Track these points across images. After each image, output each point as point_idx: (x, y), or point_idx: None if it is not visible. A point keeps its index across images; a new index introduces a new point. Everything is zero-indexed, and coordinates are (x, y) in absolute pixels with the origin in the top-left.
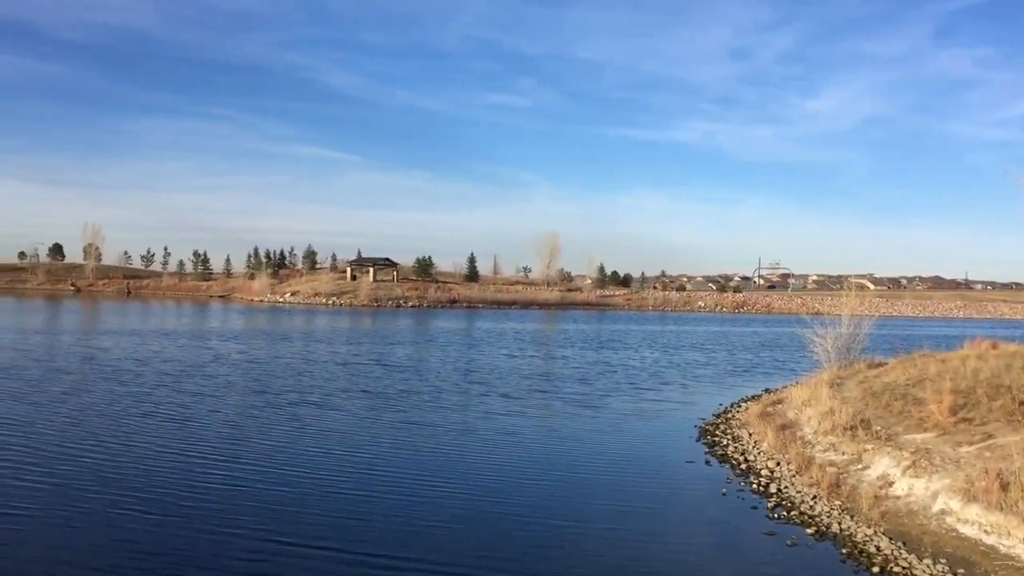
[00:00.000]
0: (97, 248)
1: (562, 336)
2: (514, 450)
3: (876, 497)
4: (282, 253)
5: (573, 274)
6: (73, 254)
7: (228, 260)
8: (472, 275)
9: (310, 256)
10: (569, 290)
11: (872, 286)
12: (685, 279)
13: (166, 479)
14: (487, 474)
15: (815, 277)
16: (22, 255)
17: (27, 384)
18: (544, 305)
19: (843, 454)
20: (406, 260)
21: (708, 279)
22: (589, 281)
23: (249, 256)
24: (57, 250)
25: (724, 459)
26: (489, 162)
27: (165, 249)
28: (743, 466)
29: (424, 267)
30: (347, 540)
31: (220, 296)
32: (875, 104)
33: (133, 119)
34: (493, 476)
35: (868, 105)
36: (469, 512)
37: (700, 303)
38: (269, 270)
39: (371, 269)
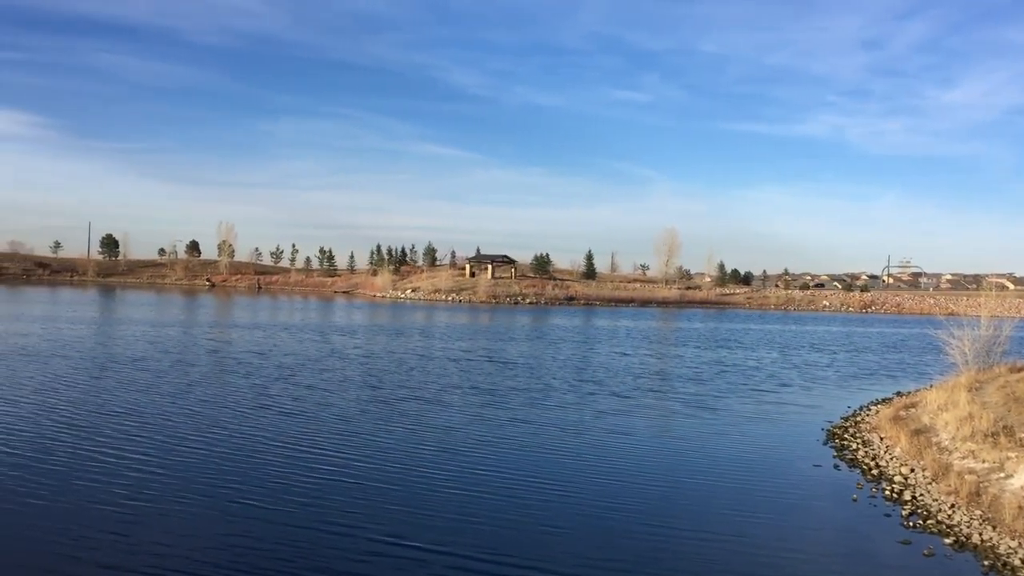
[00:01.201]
0: (230, 245)
1: (678, 335)
2: (627, 451)
3: (1021, 508)
4: (403, 250)
5: (692, 272)
6: (208, 251)
7: (352, 257)
8: (590, 272)
9: (430, 253)
10: (688, 288)
11: (1012, 286)
12: (809, 277)
13: (277, 472)
14: (599, 476)
15: (949, 276)
16: (162, 252)
17: (155, 375)
18: (662, 303)
19: (983, 462)
20: (524, 257)
21: (833, 278)
22: (708, 279)
23: (372, 253)
24: (194, 247)
25: (854, 464)
26: (609, 158)
27: (293, 246)
28: (874, 471)
29: (542, 264)
30: (455, 540)
31: (344, 292)
32: (1020, 94)
33: (266, 120)
34: (605, 478)
35: (1012, 95)
36: (581, 515)
37: (825, 302)
38: (391, 267)
39: (489, 266)
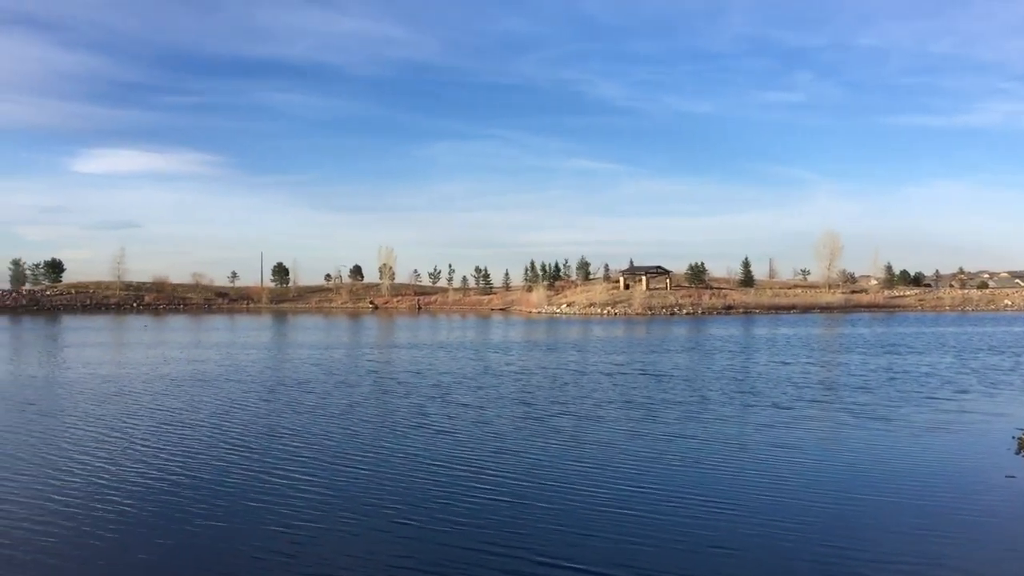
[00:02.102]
0: (391, 268)
1: (842, 341)
2: (793, 466)
3: None
4: (557, 265)
5: (857, 275)
6: (371, 274)
7: (507, 274)
8: (747, 280)
9: (584, 267)
10: (853, 292)
11: None
12: (987, 275)
13: (435, 491)
14: (765, 493)
15: None
16: (328, 277)
17: (320, 397)
18: (825, 309)
19: None
20: (678, 267)
21: (1015, 275)
22: (874, 281)
23: (527, 269)
24: (357, 271)
25: None
26: (762, 162)
27: (450, 266)
28: None
29: (697, 273)
30: (614, 561)
31: (500, 309)
32: None
33: (422, 145)
34: (772, 495)
35: None
36: (748, 535)
37: (1007, 301)
38: (545, 282)
39: (644, 277)
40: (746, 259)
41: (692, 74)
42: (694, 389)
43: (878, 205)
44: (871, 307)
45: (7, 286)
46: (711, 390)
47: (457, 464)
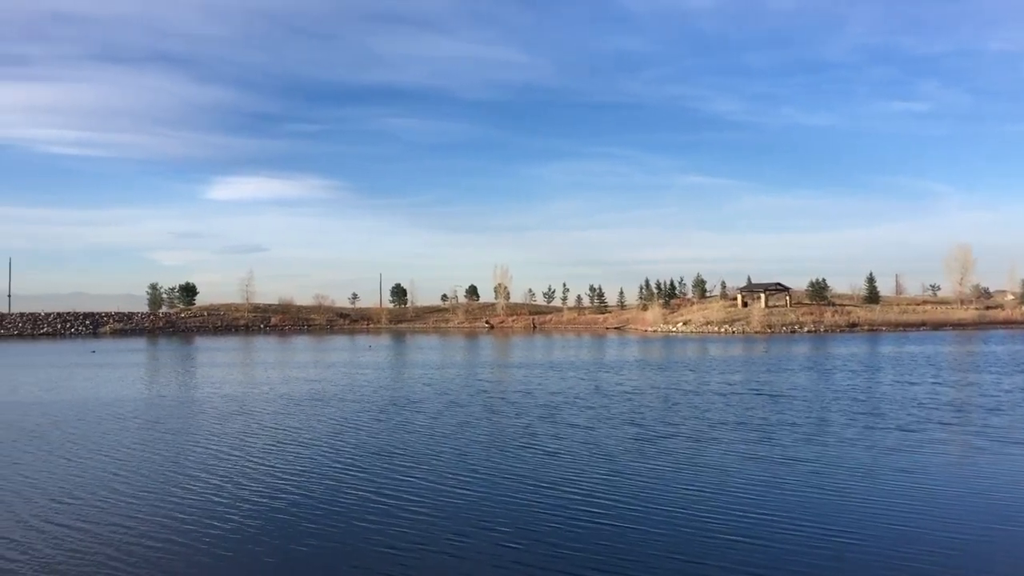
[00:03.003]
0: (506, 288)
1: (973, 359)
2: (925, 494)
3: None
4: (672, 283)
5: (992, 289)
6: (486, 294)
7: (621, 292)
8: (872, 296)
9: (699, 284)
10: (987, 308)
11: None
12: None
13: (542, 514)
14: (895, 523)
15: None
16: (444, 297)
17: (430, 417)
18: (957, 325)
19: None
20: (798, 284)
21: None
22: (1011, 296)
23: (641, 287)
24: (473, 291)
25: None
26: (886, 174)
27: (564, 285)
28: None
29: (818, 290)
30: None
31: (615, 328)
32: None
33: (535, 165)
34: (903, 525)
35: None
36: (874, 568)
37: None
38: (660, 300)
39: (762, 295)
40: (870, 275)
41: (810, 86)
42: (813, 410)
43: (1014, 215)
44: (1008, 323)
45: (145, 309)
46: (831, 411)
47: (565, 486)
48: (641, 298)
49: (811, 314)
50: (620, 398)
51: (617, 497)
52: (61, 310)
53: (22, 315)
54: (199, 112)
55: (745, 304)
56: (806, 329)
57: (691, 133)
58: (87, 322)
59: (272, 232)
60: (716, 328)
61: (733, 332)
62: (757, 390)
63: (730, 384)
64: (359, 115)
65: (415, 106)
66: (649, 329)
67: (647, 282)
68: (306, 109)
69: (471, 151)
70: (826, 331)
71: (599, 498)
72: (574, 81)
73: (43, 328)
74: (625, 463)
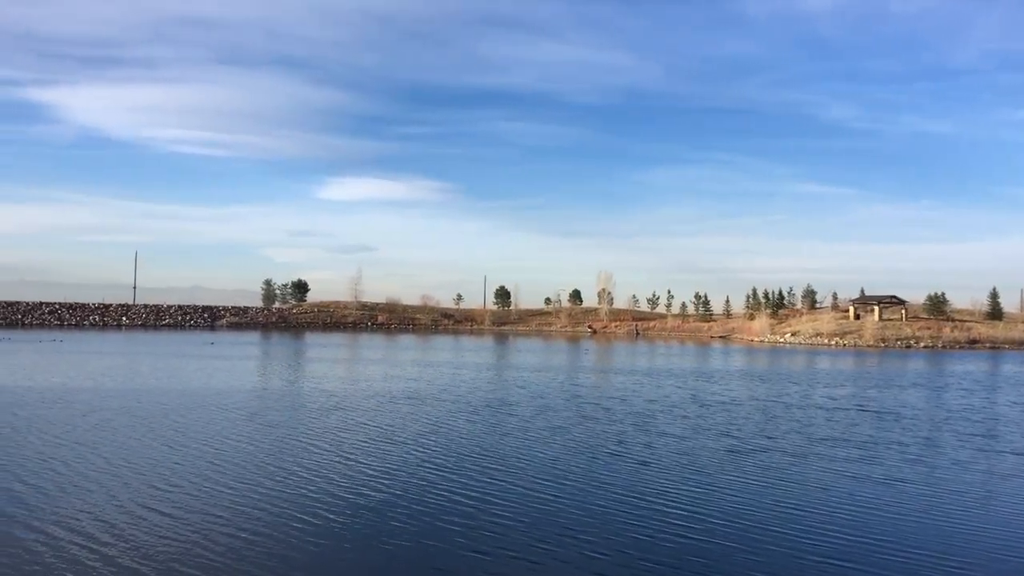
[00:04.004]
0: (609, 293)
1: None
2: None
3: None
4: (780, 293)
5: None
6: (589, 299)
7: (727, 301)
8: (995, 312)
9: (809, 295)
10: None
11: None
12: None
13: (630, 525)
14: (1010, 555)
15: None
16: (548, 301)
17: (520, 420)
18: None
19: None
20: (915, 297)
21: None
22: None
23: (748, 297)
24: (576, 295)
25: None
26: (1013, 185)
27: (668, 292)
28: None
29: (937, 304)
30: None
31: (720, 337)
32: None
33: (640, 170)
34: (1017, 558)
35: None
36: None
37: None
38: (768, 310)
39: (876, 307)
40: (994, 289)
41: (932, 92)
42: (922, 430)
43: None
44: None
45: (260, 304)
46: (943, 432)
47: (653, 497)
48: (748, 307)
49: (928, 329)
50: (718, 408)
51: (707, 510)
52: (182, 303)
53: (146, 306)
54: (314, 114)
55: (857, 316)
56: (922, 344)
57: (805, 139)
58: (205, 315)
59: (380, 232)
60: (826, 340)
61: (844, 345)
62: (863, 406)
63: (835, 399)
64: (468, 118)
65: (523, 109)
66: (756, 339)
67: (754, 291)
68: (416, 111)
69: (578, 155)
70: (944, 347)
71: (689, 511)
72: (683, 85)
73: (165, 320)
74: (718, 476)
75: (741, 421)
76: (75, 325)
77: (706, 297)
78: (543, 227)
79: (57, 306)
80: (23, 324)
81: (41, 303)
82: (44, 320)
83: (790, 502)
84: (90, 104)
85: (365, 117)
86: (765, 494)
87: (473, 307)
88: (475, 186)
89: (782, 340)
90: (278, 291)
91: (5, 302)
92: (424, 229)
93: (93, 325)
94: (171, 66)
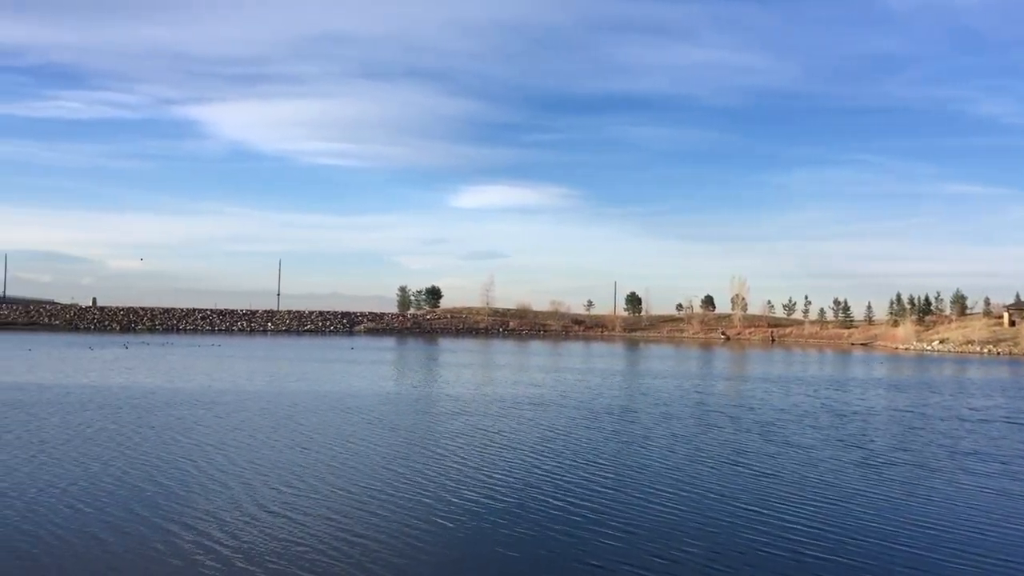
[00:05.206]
0: (743, 299)
1: None
2: None
3: None
4: (927, 298)
5: None
6: (722, 304)
7: (869, 307)
8: None
9: (959, 301)
10: None
11: None
12: None
13: (743, 538)
14: None
15: None
16: (679, 307)
17: (642, 427)
18: None
19: None
20: None
21: None
22: None
23: (891, 302)
24: (708, 301)
25: None
26: None
27: (806, 297)
28: None
29: None
30: None
31: (862, 344)
32: None
33: (776, 173)
34: None
35: None
36: None
37: None
38: (914, 316)
39: None
40: None
41: None
42: None
43: None
44: None
45: (395, 310)
46: None
47: (776, 511)
48: (891, 313)
49: None
50: (852, 418)
51: (834, 526)
52: (322, 309)
53: (289, 312)
54: (447, 123)
55: (1013, 323)
56: None
57: (955, 138)
58: (344, 321)
59: (511, 238)
60: (978, 348)
61: (998, 353)
62: (1012, 418)
63: (981, 410)
64: (598, 123)
65: (654, 114)
66: (900, 347)
67: (898, 296)
68: (546, 119)
69: (710, 158)
70: None
71: (814, 526)
72: (822, 85)
73: (307, 325)
74: (847, 490)
75: (876, 432)
76: (224, 330)
77: (846, 302)
78: (674, 232)
79: (208, 312)
80: (178, 329)
81: (194, 309)
82: (197, 326)
83: (926, 520)
84: (238, 119)
85: (496, 125)
86: (898, 510)
87: (603, 313)
88: (605, 192)
89: (929, 348)
90: (412, 297)
91: (163, 309)
92: (554, 235)
93: (241, 330)
94: (312, 81)
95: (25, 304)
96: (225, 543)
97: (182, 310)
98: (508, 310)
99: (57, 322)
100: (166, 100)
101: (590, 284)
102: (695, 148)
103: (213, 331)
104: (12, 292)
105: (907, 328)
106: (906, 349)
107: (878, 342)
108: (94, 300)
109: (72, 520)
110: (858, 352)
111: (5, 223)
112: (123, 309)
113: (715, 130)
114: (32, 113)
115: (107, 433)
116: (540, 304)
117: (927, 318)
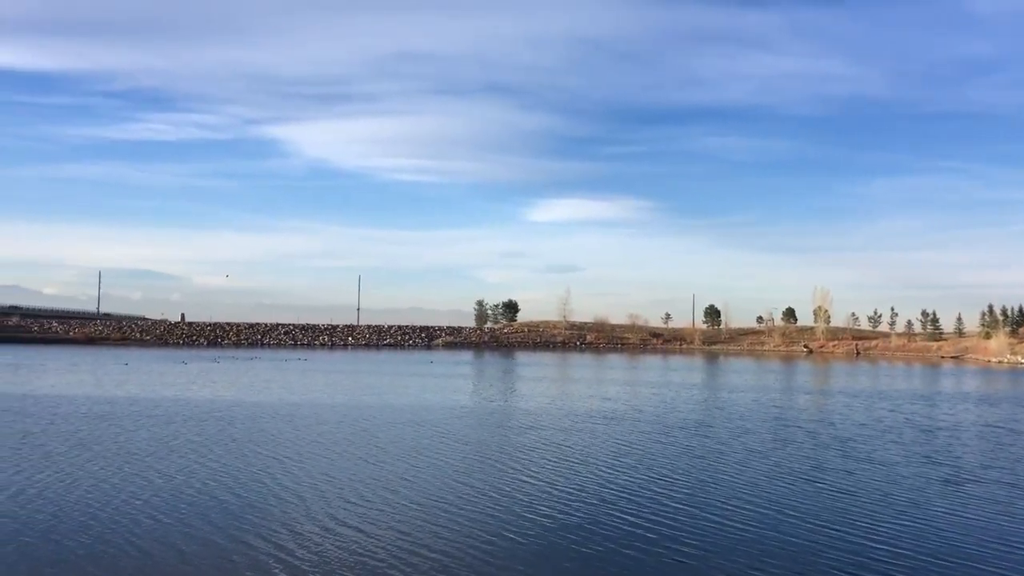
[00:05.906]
0: (826, 311)
1: None
2: None
3: None
4: (1021, 309)
5: None
6: (804, 317)
7: (959, 318)
8: None
9: None
10: None
11: None
12: None
13: (822, 558)
14: None
15: None
16: (759, 319)
17: (715, 442)
18: None
19: None
20: None
21: None
22: None
23: (983, 314)
24: (790, 314)
25: None
26: None
27: (892, 309)
28: None
29: None
30: None
31: (951, 357)
32: None
33: (859, 182)
34: None
35: None
36: None
37: None
38: (1007, 328)
39: None
40: None
41: None
42: None
43: None
44: None
45: (472, 324)
46: None
47: (854, 528)
48: (983, 325)
49: None
50: (937, 434)
51: (914, 546)
52: (401, 323)
53: (369, 327)
54: (524, 138)
55: None
56: None
57: None
58: (422, 335)
59: (588, 252)
60: None
61: None
62: None
63: None
64: (677, 135)
65: (735, 124)
66: (992, 360)
67: (990, 308)
68: (624, 131)
69: (792, 169)
70: None
71: (893, 545)
72: (907, 91)
73: (386, 339)
74: (931, 509)
75: (963, 448)
76: (306, 345)
77: (934, 314)
78: (754, 243)
79: (291, 327)
80: (263, 344)
81: (277, 324)
82: (280, 340)
83: (1017, 541)
84: (318, 138)
85: (573, 139)
86: (983, 530)
87: (682, 326)
88: (683, 204)
89: (1023, 361)
90: (490, 311)
91: (248, 324)
92: (631, 248)
93: (322, 345)
94: (391, 99)
95: (118, 320)
96: (299, 555)
97: (266, 325)
98: (585, 324)
99: (148, 337)
100: (249, 120)
101: (668, 297)
102: (776, 158)
103: (295, 345)
104: (105, 308)
105: (1000, 340)
106: (999, 362)
107: (969, 355)
108: (183, 316)
109: (153, 530)
110: (947, 365)
111: (99, 242)
112: (210, 324)
113: (797, 139)
114: (123, 136)
115: (191, 445)
116: (618, 317)
117: (1021, 330)
